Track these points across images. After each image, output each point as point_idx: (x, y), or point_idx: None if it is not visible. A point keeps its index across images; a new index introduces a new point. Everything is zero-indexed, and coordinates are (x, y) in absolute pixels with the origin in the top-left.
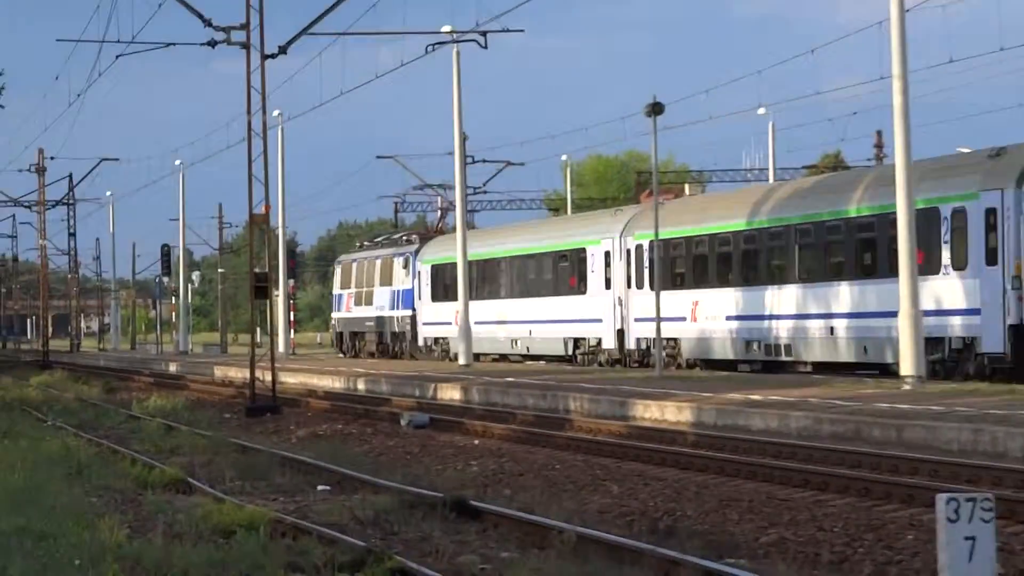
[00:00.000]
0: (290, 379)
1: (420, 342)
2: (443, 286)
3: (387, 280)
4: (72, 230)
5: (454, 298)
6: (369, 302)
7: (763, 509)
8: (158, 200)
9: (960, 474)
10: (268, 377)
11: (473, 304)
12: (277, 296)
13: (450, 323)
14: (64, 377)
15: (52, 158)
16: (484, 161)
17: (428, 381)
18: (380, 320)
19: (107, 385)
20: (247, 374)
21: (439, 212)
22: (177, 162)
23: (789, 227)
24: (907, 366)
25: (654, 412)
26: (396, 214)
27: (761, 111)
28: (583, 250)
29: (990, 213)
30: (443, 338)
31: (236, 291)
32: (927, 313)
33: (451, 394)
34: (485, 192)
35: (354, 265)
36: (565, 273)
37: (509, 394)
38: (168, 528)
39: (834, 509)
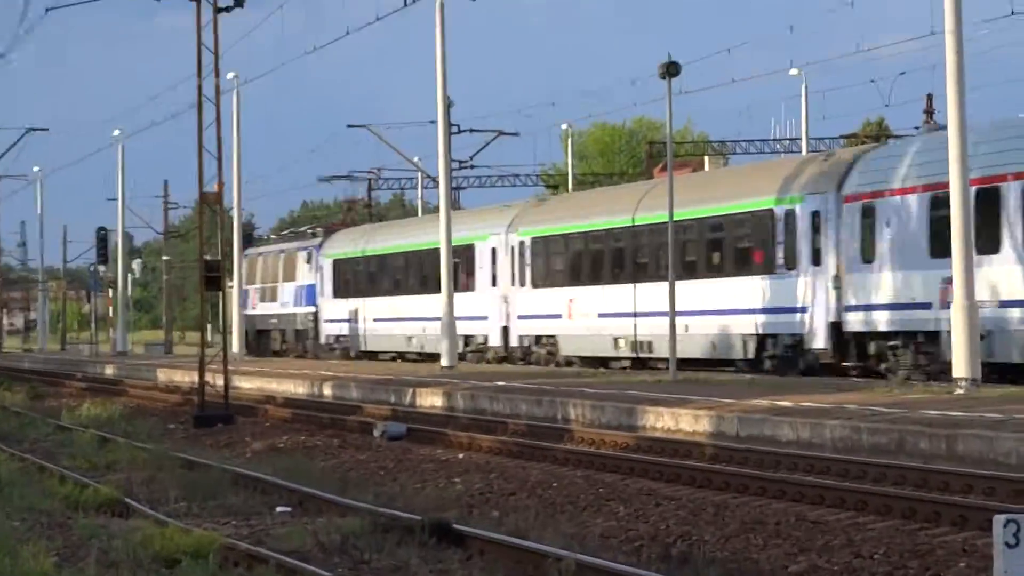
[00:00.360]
0: (245, 384)
1: (322, 340)
2: (345, 282)
3: (290, 276)
4: None
5: (356, 294)
6: (274, 298)
7: (792, 533)
8: (93, 177)
9: (1021, 492)
10: (220, 381)
11: (371, 301)
12: (231, 288)
13: (349, 320)
14: None
15: None
16: (472, 131)
17: (405, 386)
18: (284, 317)
19: (33, 391)
20: (195, 378)
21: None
22: (116, 133)
23: (650, 226)
24: (960, 367)
25: (667, 421)
26: (370, 192)
27: (793, 72)
28: (472, 247)
29: (815, 215)
30: (344, 335)
31: (184, 282)
32: (765, 311)
33: (432, 400)
34: (472, 166)
35: (259, 259)
36: (456, 270)
37: (499, 400)
38: (102, 556)
39: (874, 533)
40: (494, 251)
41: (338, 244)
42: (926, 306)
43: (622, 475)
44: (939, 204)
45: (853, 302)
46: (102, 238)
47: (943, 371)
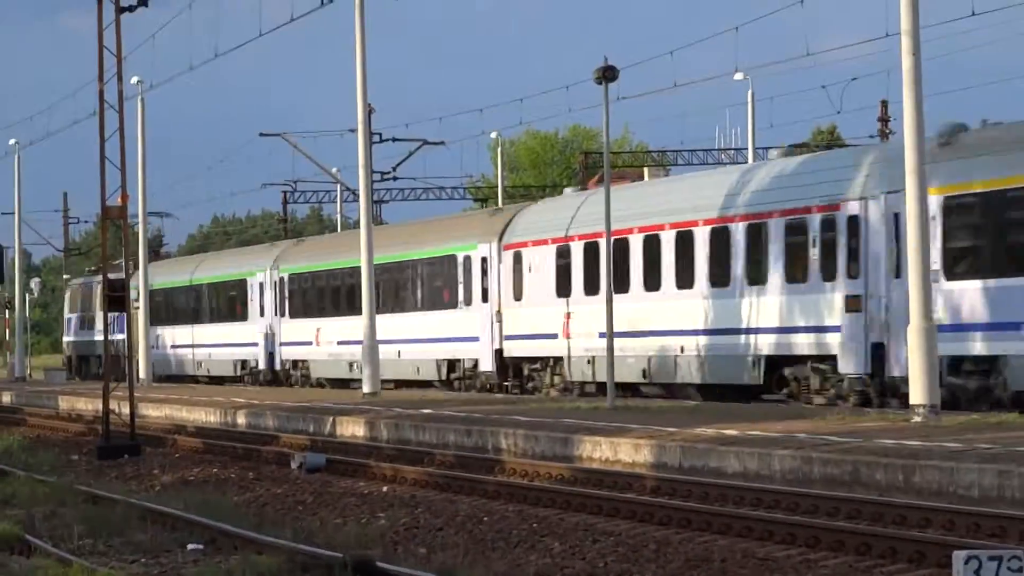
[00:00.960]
0: (153, 412)
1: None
2: (151, 310)
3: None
4: None
5: (160, 322)
6: (92, 326)
7: (740, 571)
8: None
9: (982, 526)
10: (126, 410)
11: (165, 329)
12: (137, 308)
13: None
14: None
15: None
16: (395, 140)
17: (325, 414)
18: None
19: None
20: (99, 406)
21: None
22: (11, 142)
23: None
24: (917, 394)
25: (604, 451)
26: (285, 206)
27: (738, 76)
28: (244, 281)
29: (484, 261)
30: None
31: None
32: (450, 340)
33: (353, 429)
34: (395, 178)
35: (80, 289)
36: (233, 302)
37: (425, 429)
38: None
39: (827, 570)
40: (261, 285)
41: (153, 274)
42: (554, 336)
43: (557, 509)
44: (562, 253)
45: (509, 332)
46: None
47: (568, 388)
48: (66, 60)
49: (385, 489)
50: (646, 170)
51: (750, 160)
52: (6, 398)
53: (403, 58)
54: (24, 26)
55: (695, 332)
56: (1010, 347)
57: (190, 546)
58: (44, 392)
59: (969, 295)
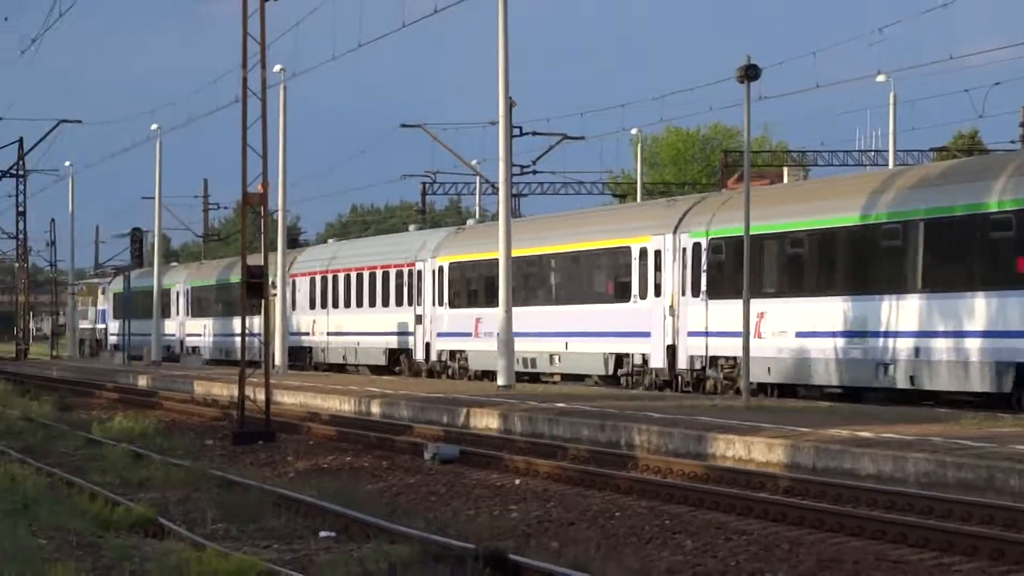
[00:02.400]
0: (288, 399)
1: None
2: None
3: (95, 302)
4: (21, 208)
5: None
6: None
7: (872, 573)
8: (129, 174)
9: None
10: (261, 396)
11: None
12: (274, 295)
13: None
14: (7, 390)
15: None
16: (535, 134)
17: (459, 405)
18: (94, 330)
19: (61, 401)
20: (235, 392)
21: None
22: (154, 127)
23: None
24: None
25: (738, 450)
26: (423, 196)
27: (880, 79)
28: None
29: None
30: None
31: None
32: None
33: (487, 422)
34: (535, 172)
35: (90, 290)
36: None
37: (559, 423)
38: None
39: (960, 575)
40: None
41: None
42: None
43: (690, 506)
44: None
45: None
46: (137, 239)
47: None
48: (209, 47)
49: (518, 482)
50: (785, 170)
51: (890, 163)
52: (142, 382)
53: (545, 53)
54: (168, 13)
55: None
56: None
57: (322, 534)
58: (180, 376)
59: None
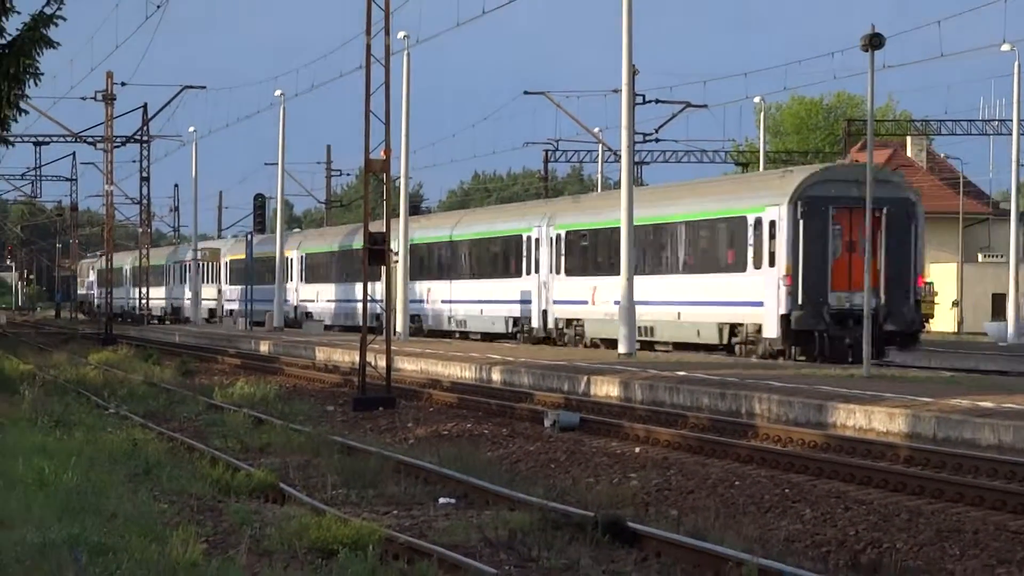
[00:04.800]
0: (408, 365)
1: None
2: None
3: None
4: (145, 173)
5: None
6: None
7: (991, 543)
8: (252, 140)
9: None
10: (382, 363)
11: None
12: (396, 262)
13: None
14: (130, 355)
15: (123, 84)
16: (657, 101)
17: (579, 373)
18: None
19: (183, 366)
20: (355, 358)
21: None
22: (277, 93)
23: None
24: None
25: (859, 419)
26: (546, 164)
27: (1005, 48)
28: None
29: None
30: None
31: None
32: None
33: (607, 389)
34: (657, 140)
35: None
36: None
37: (680, 391)
38: (255, 544)
39: None
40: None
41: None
42: None
43: (809, 475)
44: None
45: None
46: (260, 205)
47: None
48: (333, 14)
49: (637, 450)
50: (908, 139)
51: (1014, 132)
52: (264, 347)
53: (668, 20)
54: None
55: None
56: None
57: (442, 500)
58: (302, 342)
59: None
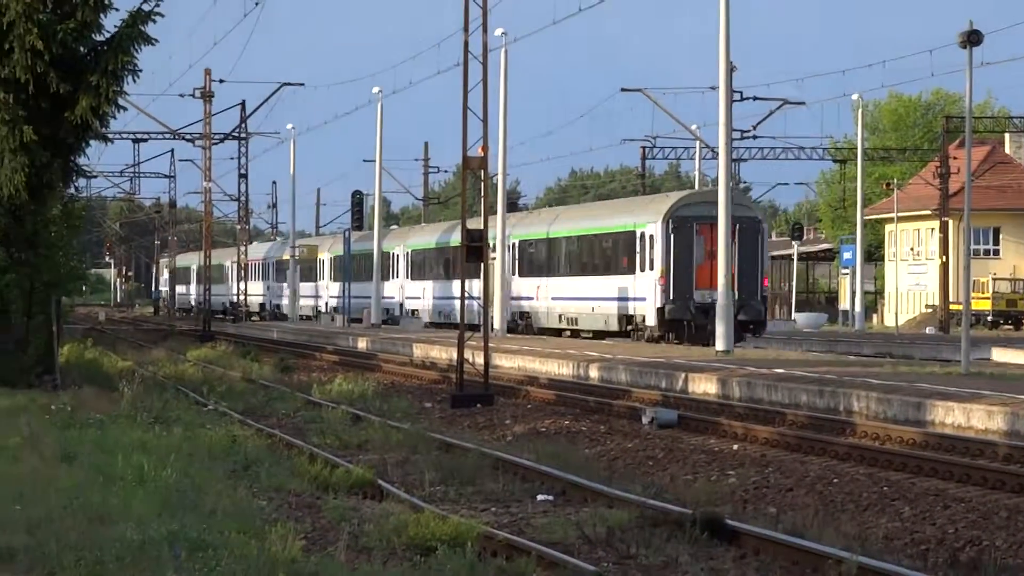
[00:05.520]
0: (506, 362)
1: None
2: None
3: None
4: (243, 170)
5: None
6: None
7: None
8: (349, 137)
9: None
10: (479, 360)
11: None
12: (494, 260)
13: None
14: (228, 352)
15: (221, 81)
16: (755, 99)
17: (677, 370)
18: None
19: (281, 363)
20: (453, 355)
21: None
22: (375, 90)
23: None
24: None
25: (957, 417)
26: (643, 161)
27: None
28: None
29: (651, 237)
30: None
31: None
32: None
33: (705, 387)
34: (755, 136)
35: (169, 263)
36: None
37: (777, 389)
38: (353, 541)
39: None
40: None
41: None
42: None
43: (908, 473)
44: None
45: None
46: (357, 202)
47: None
48: (431, 11)
49: (735, 447)
50: (1007, 136)
51: None
52: (362, 344)
53: (763, 17)
54: None
55: None
56: None
57: (540, 497)
58: (399, 339)
59: None
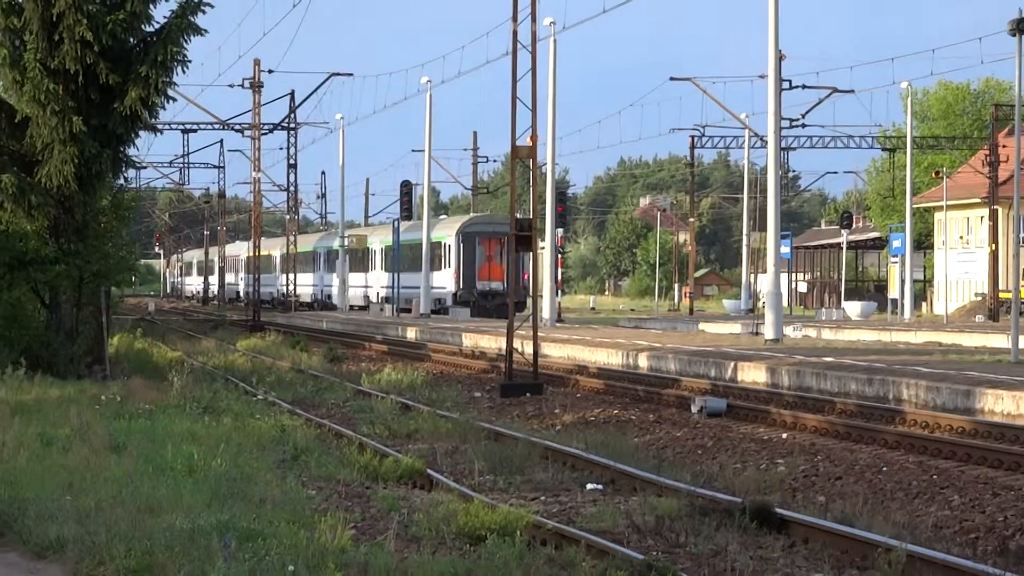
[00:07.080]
0: (555, 352)
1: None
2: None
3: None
4: (292, 160)
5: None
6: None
7: None
8: (398, 127)
9: None
10: (528, 349)
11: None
12: (542, 249)
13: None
14: (278, 342)
15: (270, 72)
16: (804, 87)
17: (726, 359)
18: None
19: (331, 353)
20: (502, 344)
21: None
22: (424, 80)
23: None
24: None
25: (1007, 405)
26: (692, 150)
27: None
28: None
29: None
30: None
31: None
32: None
33: (754, 375)
34: (804, 125)
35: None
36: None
37: (826, 377)
38: (403, 530)
39: None
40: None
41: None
42: None
43: (957, 461)
44: None
45: None
46: (406, 192)
47: None
48: (476, 1)
49: (785, 436)
50: None
51: None
52: (411, 334)
53: (813, 5)
54: None
55: None
56: None
57: (589, 486)
58: (448, 329)
59: None
